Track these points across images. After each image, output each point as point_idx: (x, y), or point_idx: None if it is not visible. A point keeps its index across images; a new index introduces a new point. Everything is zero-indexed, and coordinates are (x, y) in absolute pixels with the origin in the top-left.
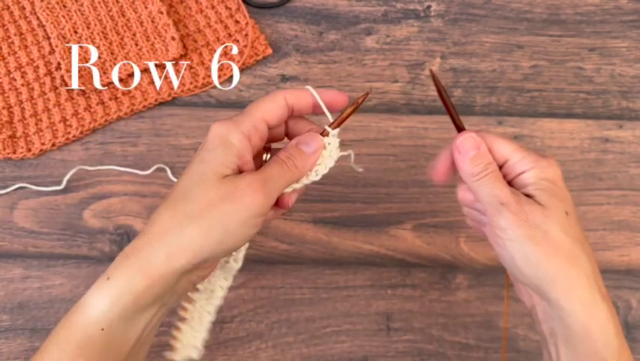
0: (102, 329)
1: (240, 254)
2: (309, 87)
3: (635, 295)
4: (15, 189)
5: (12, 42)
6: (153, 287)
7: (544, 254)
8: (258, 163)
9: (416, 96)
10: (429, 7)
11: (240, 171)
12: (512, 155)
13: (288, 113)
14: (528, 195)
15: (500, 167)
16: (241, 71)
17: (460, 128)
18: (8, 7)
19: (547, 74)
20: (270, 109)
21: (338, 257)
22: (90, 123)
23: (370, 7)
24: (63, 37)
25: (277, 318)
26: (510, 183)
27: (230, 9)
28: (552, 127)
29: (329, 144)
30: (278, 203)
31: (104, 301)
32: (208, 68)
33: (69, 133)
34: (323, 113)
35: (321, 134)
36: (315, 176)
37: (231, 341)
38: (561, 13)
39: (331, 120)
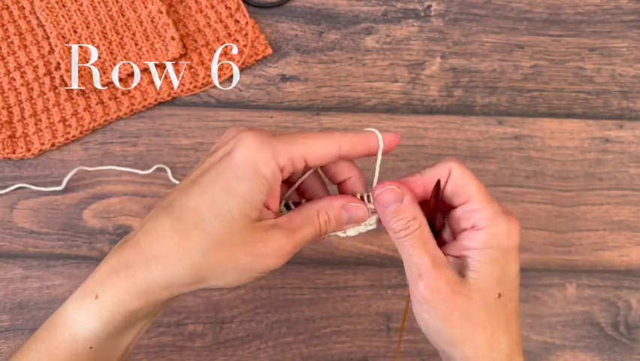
0: (90, 347)
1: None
2: (376, 132)
3: (635, 295)
4: (15, 190)
5: (11, 42)
6: (147, 307)
7: (459, 337)
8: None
9: (416, 96)
10: (429, 6)
11: (265, 205)
12: (473, 198)
13: (336, 158)
14: (466, 263)
15: (454, 207)
16: (241, 70)
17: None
18: (7, 7)
19: (548, 74)
20: (317, 151)
21: (338, 257)
22: (90, 123)
23: (370, 6)
24: (62, 37)
25: (277, 318)
26: (456, 231)
27: (230, 9)
28: (552, 127)
29: (372, 212)
30: None
31: (92, 321)
32: (208, 68)
33: (69, 133)
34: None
35: (362, 196)
36: (342, 233)
37: (231, 342)
38: (561, 13)
39: (376, 177)
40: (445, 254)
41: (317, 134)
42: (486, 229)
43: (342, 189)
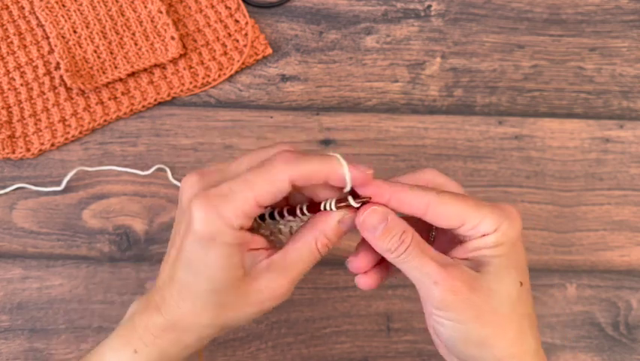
0: None
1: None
2: (340, 159)
3: (635, 295)
4: (14, 190)
5: (11, 42)
6: (182, 356)
7: (490, 336)
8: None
9: (416, 96)
10: (429, 6)
11: (247, 250)
12: (468, 218)
13: (290, 191)
14: (479, 261)
15: (455, 228)
16: (241, 70)
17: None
18: (7, 7)
19: (548, 74)
20: (266, 194)
21: (338, 257)
22: (89, 123)
23: (370, 6)
24: (62, 36)
25: (277, 318)
26: (462, 240)
27: (229, 8)
28: (553, 127)
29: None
30: None
31: None
32: (208, 68)
33: (68, 133)
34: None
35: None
36: None
37: (231, 342)
38: (562, 12)
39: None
40: (453, 257)
41: (261, 174)
42: (495, 232)
43: (310, 196)
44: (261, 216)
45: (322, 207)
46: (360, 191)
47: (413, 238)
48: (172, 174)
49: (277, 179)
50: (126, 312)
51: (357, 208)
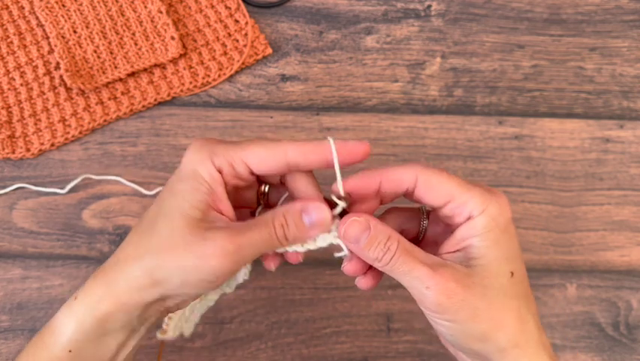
0: (69, 351)
1: (233, 283)
2: (330, 140)
3: (635, 295)
4: (14, 190)
5: (11, 42)
6: (116, 313)
7: (491, 330)
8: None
9: (416, 96)
10: (429, 6)
11: (214, 208)
12: (457, 194)
13: (286, 169)
14: (468, 253)
15: (439, 208)
16: (241, 70)
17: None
18: (7, 7)
19: (548, 74)
20: (259, 156)
21: (338, 257)
22: (89, 123)
23: (370, 6)
24: (62, 36)
25: (277, 319)
26: (450, 227)
27: (229, 8)
28: (553, 127)
29: (334, 217)
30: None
31: (70, 322)
32: (207, 68)
33: (68, 133)
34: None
35: (329, 203)
36: (300, 246)
37: (231, 342)
38: (562, 12)
39: (340, 187)
40: (443, 253)
41: (264, 141)
42: (482, 214)
43: None
44: None
45: None
46: (350, 185)
47: (399, 244)
48: (171, 174)
49: (275, 149)
50: None
51: (340, 215)
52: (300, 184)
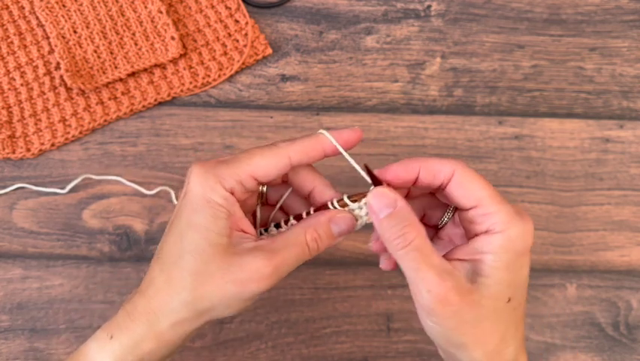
0: None
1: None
2: (324, 132)
3: (635, 295)
4: (14, 190)
5: (11, 42)
6: (159, 349)
7: (469, 343)
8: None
9: (416, 96)
10: (429, 6)
11: (236, 230)
12: (486, 202)
13: (288, 169)
14: (477, 268)
15: (464, 209)
16: (241, 70)
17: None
18: (7, 7)
19: (548, 74)
20: (265, 167)
21: (338, 257)
22: (89, 123)
23: (370, 6)
24: (62, 36)
25: (277, 318)
26: (468, 233)
27: (229, 9)
28: (553, 127)
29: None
30: None
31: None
32: (208, 68)
33: (68, 133)
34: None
35: (337, 201)
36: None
37: (231, 342)
38: (562, 12)
39: (355, 165)
40: (455, 258)
41: (263, 150)
42: (502, 233)
43: (312, 201)
44: (267, 229)
45: (329, 207)
46: (389, 173)
47: (417, 238)
48: (171, 175)
49: (277, 155)
50: None
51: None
52: (306, 180)
